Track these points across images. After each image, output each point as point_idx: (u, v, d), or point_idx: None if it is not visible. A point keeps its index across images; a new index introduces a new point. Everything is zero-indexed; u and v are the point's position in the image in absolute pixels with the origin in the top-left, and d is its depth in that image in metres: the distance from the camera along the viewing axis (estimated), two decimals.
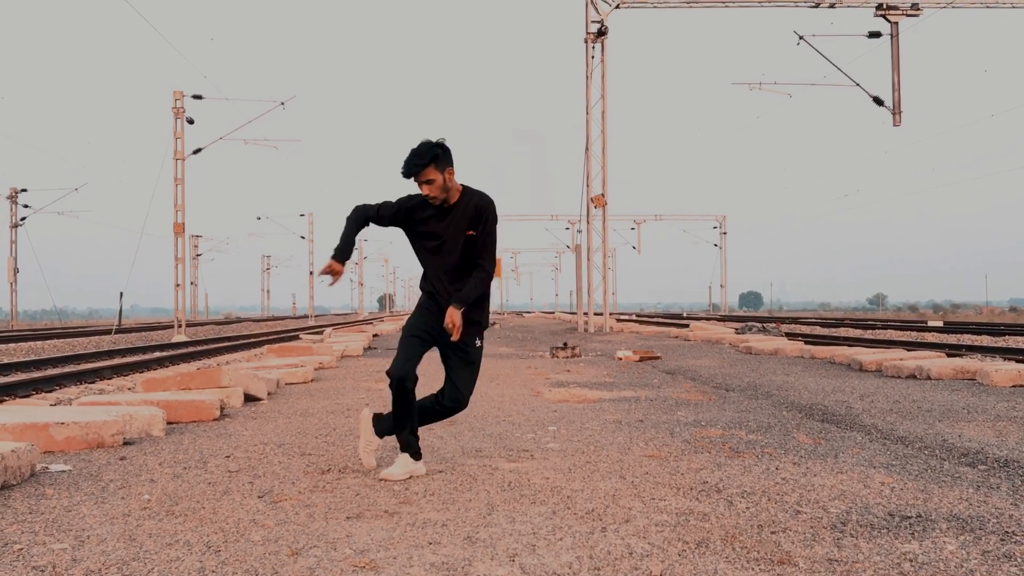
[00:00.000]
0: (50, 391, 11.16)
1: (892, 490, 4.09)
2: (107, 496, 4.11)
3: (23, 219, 47.68)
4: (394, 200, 4.60)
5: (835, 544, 3.20)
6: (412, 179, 4.42)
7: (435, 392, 4.73)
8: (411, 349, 4.48)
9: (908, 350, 14.34)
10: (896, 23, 24.61)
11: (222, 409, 7.18)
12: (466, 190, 4.54)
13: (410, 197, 4.57)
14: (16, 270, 47.55)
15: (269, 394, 8.73)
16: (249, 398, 8.18)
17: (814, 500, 3.89)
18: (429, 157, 4.34)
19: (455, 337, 4.41)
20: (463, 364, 4.63)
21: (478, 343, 4.64)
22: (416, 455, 4.57)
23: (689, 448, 5.31)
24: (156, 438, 5.92)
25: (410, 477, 4.50)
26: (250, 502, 3.95)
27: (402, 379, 4.38)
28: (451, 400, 4.63)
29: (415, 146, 4.40)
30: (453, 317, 4.38)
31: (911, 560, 3.01)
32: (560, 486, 4.23)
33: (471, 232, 4.48)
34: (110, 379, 13.02)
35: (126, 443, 5.67)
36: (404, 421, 4.52)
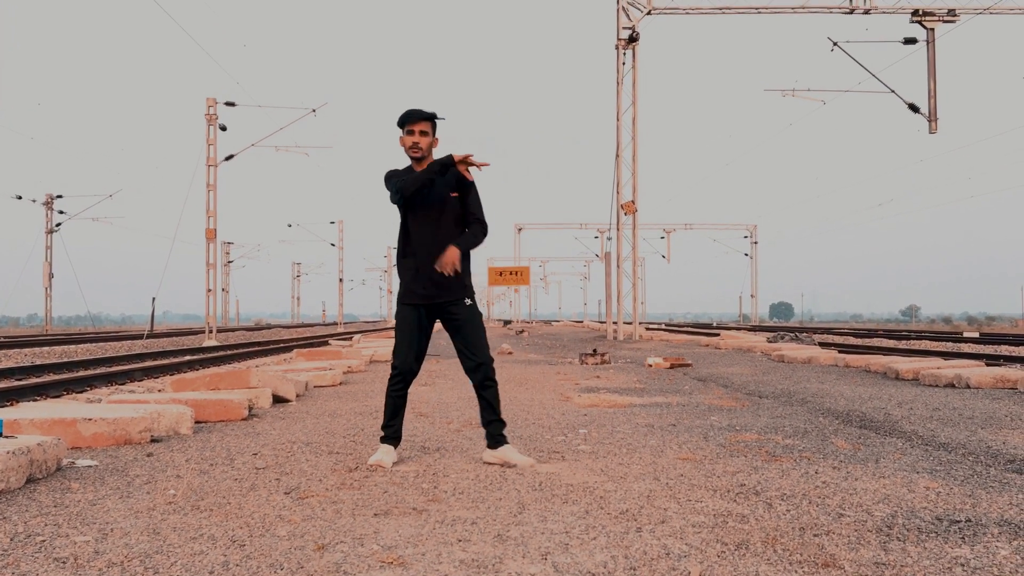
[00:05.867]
0: (81, 391, 11.20)
1: (938, 495, 3.94)
2: (132, 491, 4.05)
3: (58, 225, 48.30)
4: (391, 179, 4.89)
5: (881, 548, 3.06)
6: (408, 125, 4.81)
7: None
8: (411, 343, 4.85)
9: (945, 359, 14.04)
10: (932, 29, 24.28)
11: (250, 409, 7.14)
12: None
13: (395, 170, 4.93)
14: (51, 275, 48.15)
15: (298, 396, 8.69)
16: (278, 399, 8.15)
17: (857, 503, 3.74)
18: (430, 114, 4.84)
19: (447, 270, 4.67)
20: (467, 323, 4.82)
21: (468, 302, 4.87)
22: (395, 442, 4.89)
23: (724, 452, 5.18)
24: (184, 436, 5.88)
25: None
26: (276, 498, 3.88)
27: (410, 371, 4.84)
28: (473, 362, 4.78)
29: (413, 107, 4.87)
30: (452, 256, 4.69)
31: (963, 564, 2.87)
32: (592, 486, 4.12)
33: (455, 194, 4.84)
34: (140, 381, 13.07)
35: (154, 440, 5.64)
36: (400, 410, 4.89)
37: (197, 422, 6.43)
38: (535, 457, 4.97)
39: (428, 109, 4.86)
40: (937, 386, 9.80)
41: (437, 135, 4.90)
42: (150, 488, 4.11)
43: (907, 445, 5.50)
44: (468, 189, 4.89)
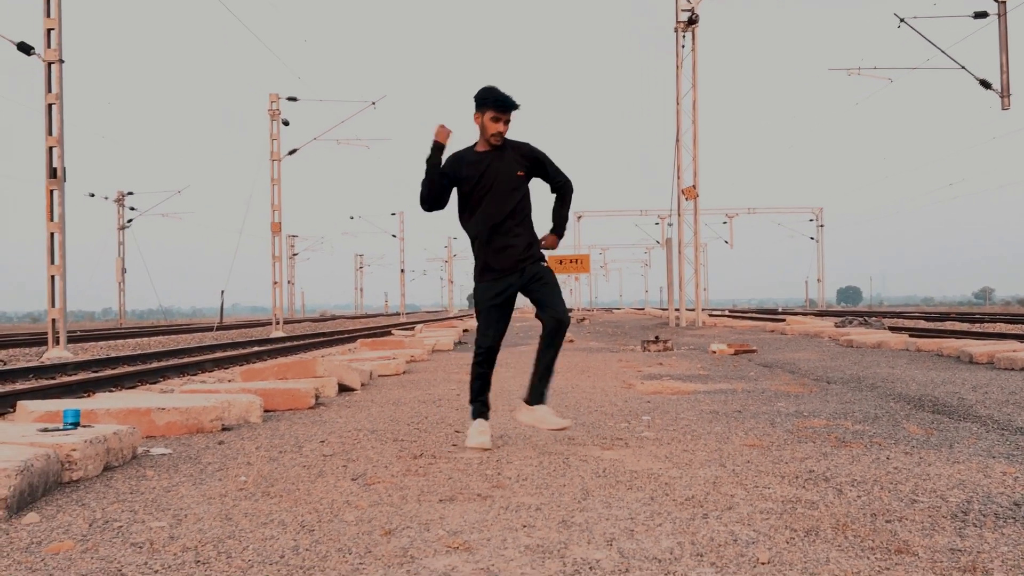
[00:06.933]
0: (155, 382, 11.51)
1: (1015, 480, 3.83)
2: (205, 478, 4.15)
3: (130, 221, 49.63)
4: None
5: (957, 534, 2.99)
6: (499, 111, 4.80)
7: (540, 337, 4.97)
8: (495, 322, 5.04)
9: (1022, 342, 13.62)
10: (1004, 2, 23.46)
11: (317, 398, 7.26)
12: (507, 140, 4.97)
13: (456, 154, 4.98)
14: (124, 270, 49.50)
15: (363, 385, 8.80)
16: (343, 388, 8.26)
17: (931, 489, 3.66)
18: (518, 105, 4.87)
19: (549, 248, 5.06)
20: (549, 286, 4.95)
21: (545, 264, 5.04)
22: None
23: (792, 438, 5.10)
24: (253, 424, 6.01)
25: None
26: (344, 484, 3.94)
27: (492, 348, 5.00)
28: (554, 318, 4.87)
29: (502, 90, 4.84)
30: (552, 243, 5.08)
31: None
32: (657, 473, 4.10)
33: (521, 173, 4.92)
34: (211, 371, 13.38)
35: (224, 429, 5.77)
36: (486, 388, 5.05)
37: (266, 411, 6.56)
38: (599, 444, 4.96)
39: (514, 98, 4.87)
40: (1013, 369, 9.51)
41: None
42: (222, 475, 4.21)
43: (982, 430, 5.35)
44: (544, 157, 5.02)
